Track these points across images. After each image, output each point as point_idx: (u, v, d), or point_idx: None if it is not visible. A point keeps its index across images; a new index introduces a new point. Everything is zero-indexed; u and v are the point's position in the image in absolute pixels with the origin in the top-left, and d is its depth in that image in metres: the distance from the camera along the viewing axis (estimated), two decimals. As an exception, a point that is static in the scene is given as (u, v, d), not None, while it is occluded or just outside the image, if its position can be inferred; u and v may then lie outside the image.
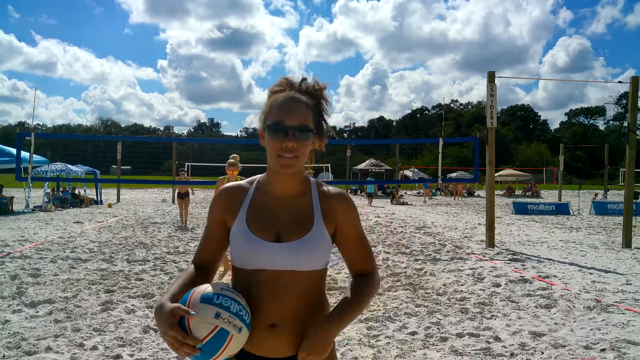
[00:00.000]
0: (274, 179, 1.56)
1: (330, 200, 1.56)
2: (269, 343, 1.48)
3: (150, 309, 5.39)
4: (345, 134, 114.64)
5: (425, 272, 7.57)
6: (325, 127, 1.58)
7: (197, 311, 1.31)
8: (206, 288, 1.39)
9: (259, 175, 1.64)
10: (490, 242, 10.37)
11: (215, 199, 1.62)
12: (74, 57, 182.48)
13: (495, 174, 19.11)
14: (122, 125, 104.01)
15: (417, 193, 37.41)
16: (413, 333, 4.69)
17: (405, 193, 35.96)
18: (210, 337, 1.30)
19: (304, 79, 1.59)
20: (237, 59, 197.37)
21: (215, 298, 1.35)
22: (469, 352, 4.21)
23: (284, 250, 1.48)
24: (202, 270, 1.58)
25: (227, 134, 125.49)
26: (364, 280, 1.57)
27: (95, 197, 23.22)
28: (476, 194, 35.31)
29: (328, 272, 7.86)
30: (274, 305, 1.47)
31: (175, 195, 14.62)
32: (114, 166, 39.35)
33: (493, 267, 8.06)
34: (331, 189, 1.60)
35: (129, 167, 50.83)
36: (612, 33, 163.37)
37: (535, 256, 9.30)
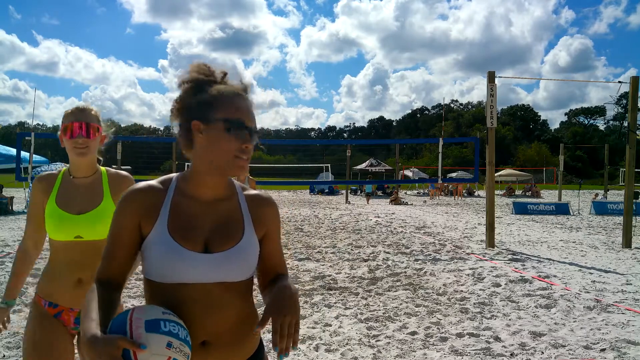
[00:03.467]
0: (202, 181, 1.39)
1: (259, 205, 1.48)
2: None
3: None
4: (345, 134, 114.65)
5: (425, 272, 7.57)
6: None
7: (147, 342, 1.16)
8: (146, 312, 1.23)
9: (172, 175, 1.46)
10: (490, 242, 10.37)
11: (126, 200, 1.38)
12: (75, 57, 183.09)
13: (495, 174, 19.11)
14: (122, 125, 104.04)
15: (417, 193, 37.43)
16: (413, 333, 4.69)
17: (405, 193, 35.96)
18: None
19: (225, 74, 1.46)
20: (239, 59, 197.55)
21: (162, 325, 1.20)
22: (469, 352, 4.21)
23: (214, 261, 1.33)
24: (112, 287, 1.38)
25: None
26: (283, 277, 1.48)
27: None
28: (476, 194, 35.31)
29: (328, 272, 7.87)
30: (204, 322, 1.34)
31: None
32: (114, 166, 39.34)
33: (493, 267, 8.07)
34: (257, 192, 1.52)
35: (129, 167, 50.83)
36: (614, 33, 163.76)
37: (535, 256, 9.30)
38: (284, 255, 1.60)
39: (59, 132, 2.13)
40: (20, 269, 2.21)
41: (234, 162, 1.35)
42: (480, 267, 8.04)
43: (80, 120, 2.09)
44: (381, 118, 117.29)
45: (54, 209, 2.09)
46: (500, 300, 5.91)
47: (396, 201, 24.97)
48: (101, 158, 2.28)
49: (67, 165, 2.20)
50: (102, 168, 2.23)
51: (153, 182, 1.43)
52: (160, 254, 1.32)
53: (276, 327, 1.30)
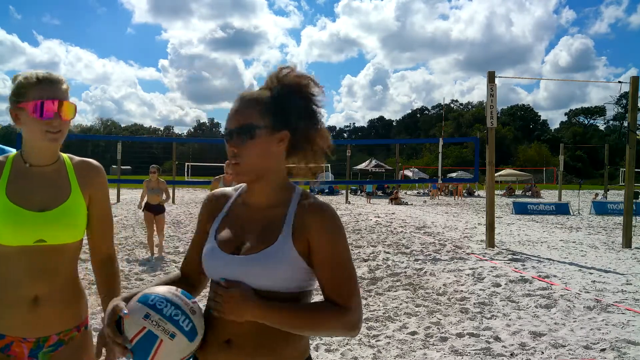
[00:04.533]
0: (250, 187, 1.43)
1: (305, 213, 1.35)
2: (219, 359, 1.35)
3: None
4: (345, 134, 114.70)
5: (425, 272, 7.58)
6: (291, 119, 1.36)
7: (130, 310, 1.26)
8: (154, 289, 1.32)
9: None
10: (490, 242, 10.37)
11: (203, 205, 1.52)
12: (76, 57, 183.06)
13: (495, 174, 19.11)
14: (122, 125, 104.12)
15: (417, 193, 37.43)
16: (413, 333, 4.69)
17: (405, 193, 35.96)
18: (138, 338, 1.23)
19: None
20: (239, 59, 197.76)
21: (150, 299, 1.27)
22: (469, 352, 4.21)
23: (236, 263, 1.33)
24: (187, 281, 1.49)
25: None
26: (329, 305, 1.32)
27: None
28: (476, 194, 35.32)
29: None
30: (226, 321, 1.31)
31: (142, 206, 9.33)
32: (114, 166, 39.37)
33: (493, 267, 8.07)
34: (313, 201, 1.37)
35: (129, 167, 50.88)
36: (615, 33, 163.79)
37: (535, 256, 9.30)
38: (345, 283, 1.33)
39: (10, 106, 1.64)
40: None
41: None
42: (480, 267, 8.04)
43: (55, 97, 1.60)
44: (381, 118, 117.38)
45: (6, 204, 1.59)
46: (500, 300, 5.91)
47: (396, 201, 24.98)
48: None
49: (17, 150, 1.75)
50: (64, 155, 1.77)
51: (230, 188, 1.53)
52: (204, 252, 1.42)
53: None
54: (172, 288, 1.33)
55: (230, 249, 1.37)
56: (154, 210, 8.99)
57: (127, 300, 1.32)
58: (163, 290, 1.31)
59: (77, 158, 1.78)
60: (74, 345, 1.71)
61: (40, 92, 1.59)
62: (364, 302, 5.79)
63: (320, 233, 1.32)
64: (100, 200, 1.79)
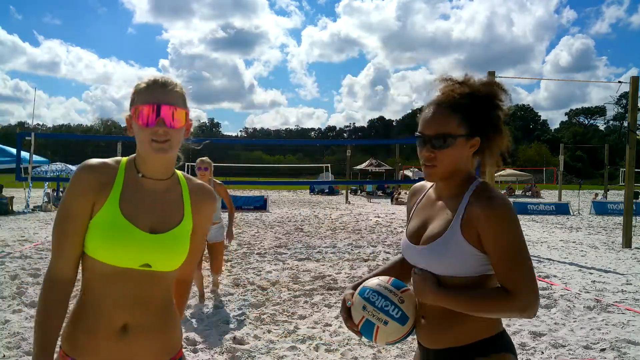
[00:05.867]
0: (438, 183, 1.59)
1: (473, 204, 1.44)
2: (420, 334, 1.59)
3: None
4: (345, 134, 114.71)
5: (425, 272, 7.57)
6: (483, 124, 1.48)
7: (353, 301, 1.58)
8: (370, 282, 1.60)
9: None
10: (490, 242, 10.36)
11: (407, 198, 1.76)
12: (76, 57, 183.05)
13: (495, 174, 19.08)
14: (123, 125, 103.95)
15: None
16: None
17: (405, 193, 35.92)
18: (361, 324, 1.55)
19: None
20: (240, 59, 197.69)
21: (365, 293, 1.56)
22: (469, 352, 4.21)
23: (417, 252, 1.54)
24: (404, 263, 1.70)
25: (228, 133, 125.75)
26: (499, 291, 1.42)
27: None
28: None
29: (328, 272, 7.83)
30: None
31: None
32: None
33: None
34: (484, 194, 1.44)
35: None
36: (616, 32, 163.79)
37: (535, 256, 9.29)
38: (512, 270, 1.41)
39: (126, 114, 1.47)
40: (57, 313, 1.41)
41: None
42: (480, 267, 8.02)
43: (161, 102, 1.41)
44: (381, 118, 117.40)
45: (118, 218, 1.39)
46: (500, 300, 5.91)
47: (397, 201, 24.96)
48: (182, 156, 1.61)
49: (128, 156, 1.52)
50: (179, 173, 1.57)
51: (428, 182, 1.69)
52: (402, 240, 1.65)
53: None
54: (385, 279, 1.59)
55: (414, 238, 1.57)
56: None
57: (355, 287, 1.62)
58: (376, 282, 1.58)
59: (194, 180, 1.60)
60: None
61: (146, 97, 1.42)
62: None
63: (488, 224, 1.40)
64: (202, 230, 1.59)
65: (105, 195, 1.40)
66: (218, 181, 5.93)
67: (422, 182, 1.71)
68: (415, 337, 1.61)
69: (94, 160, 1.44)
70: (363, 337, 1.58)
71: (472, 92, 1.47)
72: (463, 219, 1.44)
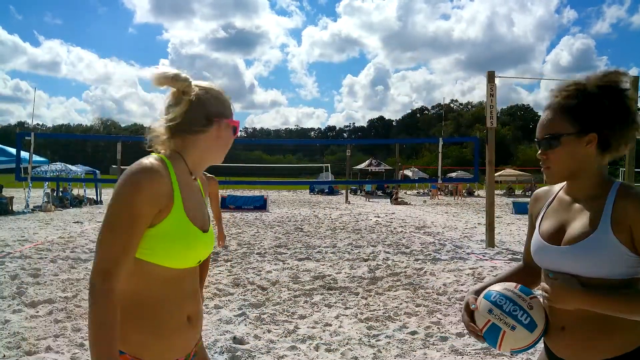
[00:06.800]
0: (569, 184, 1.57)
1: (624, 205, 1.41)
2: (559, 345, 1.50)
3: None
4: (345, 134, 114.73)
5: (425, 272, 7.57)
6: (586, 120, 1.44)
7: (478, 305, 1.53)
8: (496, 286, 1.56)
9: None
10: (490, 242, 10.37)
11: (530, 202, 1.71)
12: (77, 57, 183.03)
13: (496, 174, 19.09)
14: (122, 125, 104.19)
15: (417, 193, 37.43)
16: (413, 333, 4.69)
17: (405, 193, 35.94)
18: (485, 328, 1.50)
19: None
20: (240, 59, 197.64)
21: (492, 296, 1.52)
22: (469, 352, 4.21)
23: (557, 253, 1.47)
24: (527, 270, 1.69)
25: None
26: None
27: (95, 197, 23.23)
28: (476, 193, 35.31)
29: (328, 272, 7.83)
30: (557, 309, 1.46)
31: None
32: (114, 166, 39.35)
33: (493, 266, 8.06)
34: (633, 191, 1.43)
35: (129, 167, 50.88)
36: (617, 32, 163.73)
37: (535, 256, 9.30)
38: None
39: (220, 120, 1.51)
40: (116, 321, 1.34)
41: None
42: (480, 266, 8.04)
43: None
44: (381, 118, 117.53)
45: (188, 225, 1.44)
46: (500, 300, 5.91)
47: (397, 201, 24.99)
48: None
49: (162, 157, 1.48)
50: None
51: (557, 185, 1.63)
52: (532, 243, 1.60)
53: None
54: (512, 285, 1.54)
55: (552, 240, 1.50)
56: None
57: (477, 292, 1.58)
58: (502, 287, 1.53)
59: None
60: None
61: (231, 112, 1.58)
62: (363, 302, 5.79)
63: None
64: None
65: (170, 202, 1.41)
66: (208, 174, 5.24)
67: (545, 187, 1.69)
68: (493, 348, 1.54)
69: (155, 164, 1.41)
70: (485, 342, 1.53)
71: (582, 90, 1.46)
72: (612, 219, 1.40)
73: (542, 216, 1.60)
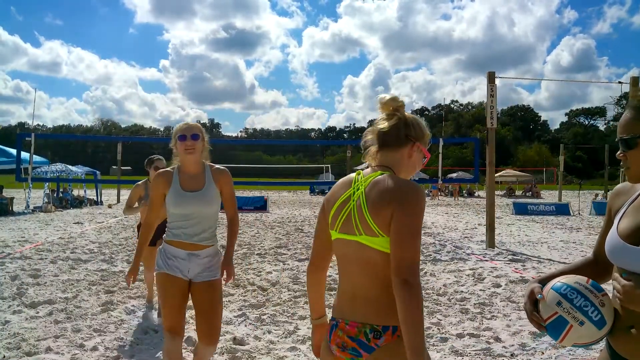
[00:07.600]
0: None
1: None
2: (625, 345, 1.44)
3: (149, 310, 5.39)
4: (345, 135, 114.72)
5: (426, 272, 7.57)
6: None
7: (545, 295, 1.49)
8: (565, 278, 1.53)
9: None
10: (491, 242, 10.37)
11: (610, 197, 1.64)
12: (78, 58, 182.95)
13: (496, 175, 19.10)
14: (123, 126, 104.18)
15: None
16: (413, 333, 4.68)
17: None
18: (550, 321, 1.46)
19: None
20: (240, 59, 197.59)
21: (562, 289, 1.48)
22: (469, 353, 4.20)
23: (632, 253, 1.42)
24: (597, 264, 1.65)
25: (228, 134, 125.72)
26: None
27: (95, 198, 23.23)
28: (476, 194, 35.30)
29: (328, 273, 7.88)
30: (627, 309, 1.42)
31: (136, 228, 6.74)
32: (114, 167, 39.34)
33: (493, 267, 8.06)
34: None
35: (129, 167, 50.90)
36: (617, 33, 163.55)
37: (535, 257, 9.30)
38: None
39: (415, 143, 1.88)
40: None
41: None
42: (481, 267, 8.03)
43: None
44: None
45: None
46: (501, 301, 5.91)
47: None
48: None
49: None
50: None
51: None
52: (607, 239, 1.53)
53: None
54: (583, 279, 1.50)
55: (629, 238, 1.44)
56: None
57: (542, 282, 1.55)
58: (573, 280, 1.49)
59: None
60: None
61: None
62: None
63: None
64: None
65: None
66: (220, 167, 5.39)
67: (626, 183, 1.62)
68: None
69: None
70: (546, 333, 1.50)
71: None
72: None
73: (623, 213, 1.52)
